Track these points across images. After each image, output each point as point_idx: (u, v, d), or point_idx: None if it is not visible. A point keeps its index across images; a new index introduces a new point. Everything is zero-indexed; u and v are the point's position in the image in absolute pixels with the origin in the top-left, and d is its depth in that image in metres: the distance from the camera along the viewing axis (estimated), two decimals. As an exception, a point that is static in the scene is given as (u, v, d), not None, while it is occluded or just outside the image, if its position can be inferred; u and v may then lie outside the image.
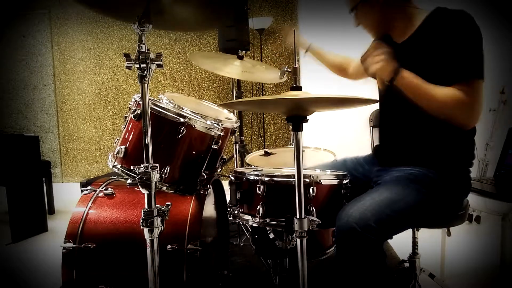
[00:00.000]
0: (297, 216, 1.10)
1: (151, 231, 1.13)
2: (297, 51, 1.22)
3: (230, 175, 1.39)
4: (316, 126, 2.98)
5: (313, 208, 1.23)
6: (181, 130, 1.35)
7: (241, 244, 2.49)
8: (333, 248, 1.55)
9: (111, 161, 1.42)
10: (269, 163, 1.93)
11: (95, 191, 1.53)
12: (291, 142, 2.58)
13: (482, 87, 1.20)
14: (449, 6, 1.26)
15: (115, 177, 1.63)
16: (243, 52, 2.25)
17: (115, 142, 1.46)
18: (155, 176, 1.12)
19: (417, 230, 1.60)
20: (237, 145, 2.66)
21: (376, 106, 1.60)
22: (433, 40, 1.24)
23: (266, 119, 4.33)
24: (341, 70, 1.84)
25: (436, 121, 1.24)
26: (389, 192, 1.24)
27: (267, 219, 1.25)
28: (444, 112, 1.22)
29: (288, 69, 1.22)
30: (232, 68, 2.10)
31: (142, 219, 1.12)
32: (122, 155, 1.37)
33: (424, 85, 1.20)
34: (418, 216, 1.28)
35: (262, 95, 4.22)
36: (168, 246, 1.35)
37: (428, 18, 1.30)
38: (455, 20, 1.21)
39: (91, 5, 1.15)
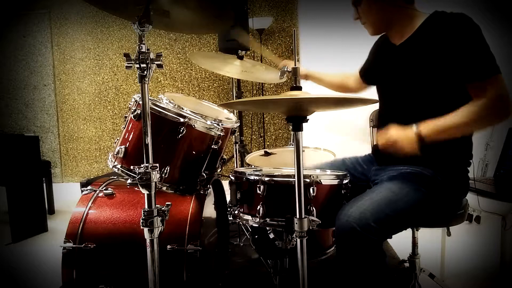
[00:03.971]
0: (297, 216, 1.10)
1: (151, 231, 1.13)
2: (297, 51, 1.22)
3: (230, 175, 1.39)
4: (316, 126, 2.98)
5: (313, 208, 1.23)
6: (181, 130, 1.35)
7: (241, 244, 2.48)
8: (333, 248, 1.55)
9: (111, 161, 1.42)
10: (269, 163, 1.93)
11: (95, 191, 1.53)
12: (291, 142, 2.58)
13: (502, 79, 1.18)
14: (449, 8, 1.26)
15: (115, 177, 1.63)
16: (243, 52, 2.25)
17: (115, 142, 1.46)
18: (155, 176, 1.12)
19: (417, 230, 1.59)
20: (237, 145, 2.66)
21: (376, 106, 1.61)
22: (433, 43, 1.24)
23: (266, 119, 4.33)
24: (342, 88, 1.83)
25: None
26: (388, 191, 1.24)
27: (267, 219, 1.25)
28: (478, 128, 1.26)
29: (288, 69, 1.21)
30: (232, 68, 2.10)
31: (142, 219, 1.12)
32: (122, 155, 1.37)
33: (446, 123, 1.20)
34: (417, 215, 1.28)
35: (262, 95, 4.22)
36: (168, 246, 1.35)
37: (427, 21, 1.30)
38: (456, 22, 1.20)
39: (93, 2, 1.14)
